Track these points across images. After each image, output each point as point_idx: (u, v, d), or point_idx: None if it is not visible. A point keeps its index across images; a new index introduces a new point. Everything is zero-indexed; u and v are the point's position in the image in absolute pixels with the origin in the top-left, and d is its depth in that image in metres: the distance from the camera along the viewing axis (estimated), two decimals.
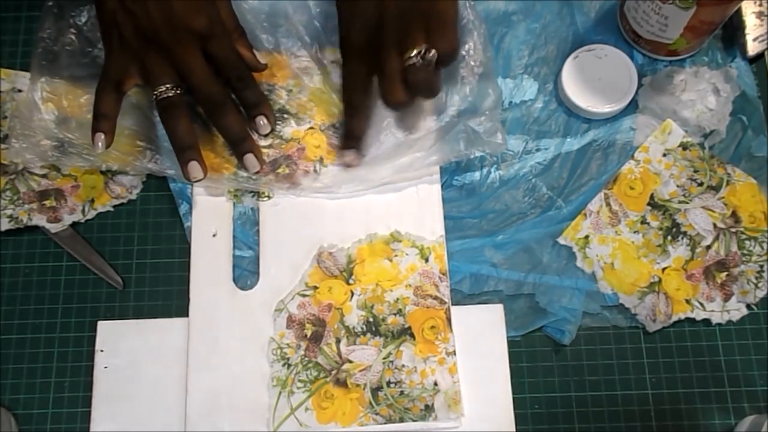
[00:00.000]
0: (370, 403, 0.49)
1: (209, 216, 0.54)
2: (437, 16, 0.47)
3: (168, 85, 0.49)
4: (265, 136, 0.54)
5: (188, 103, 0.50)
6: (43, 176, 0.55)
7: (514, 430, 0.50)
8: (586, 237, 0.54)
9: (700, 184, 0.55)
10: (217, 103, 0.50)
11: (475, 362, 0.51)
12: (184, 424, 0.49)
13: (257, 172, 0.53)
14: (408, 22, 0.47)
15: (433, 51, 0.47)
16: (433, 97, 0.50)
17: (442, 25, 0.47)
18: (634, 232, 0.54)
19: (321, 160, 0.55)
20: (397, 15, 0.47)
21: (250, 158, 0.52)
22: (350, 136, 0.53)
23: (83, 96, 0.54)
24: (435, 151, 0.53)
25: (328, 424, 0.49)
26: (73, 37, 0.55)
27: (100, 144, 0.49)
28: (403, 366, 0.50)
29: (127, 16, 0.48)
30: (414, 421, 0.49)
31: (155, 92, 0.49)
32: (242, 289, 0.52)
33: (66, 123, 0.53)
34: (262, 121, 0.53)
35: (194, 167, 0.50)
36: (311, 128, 0.56)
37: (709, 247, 0.53)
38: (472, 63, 0.56)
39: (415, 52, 0.47)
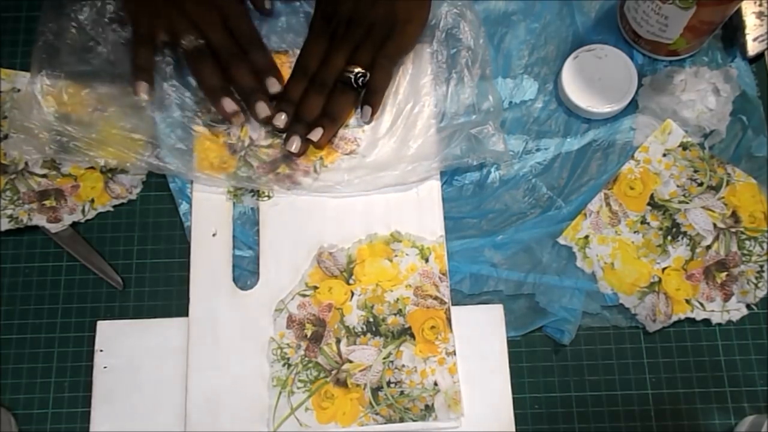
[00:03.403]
0: (370, 403, 0.49)
1: (209, 216, 0.54)
2: (399, 35, 0.54)
3: (192, 37, 0.53)
4: (274, 98, 0.54)
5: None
6: (43, 176, 0.55)
7: (514, 430, 0.50)
8: (586, 237, 0.54)
9: (700, 184, 0.55)
10: (231, 54, 0.53)
11: (475, 362, 0.51)
12: (184, 424, 0.49)
13: (268, 122, 0.54)
14: (372, 29, 0.53)
15: (368, 76, 0.53)
16: (333, 124, 0.54)
17: (396, 48, 0.54)
18: (634, 232, 0.54)
19: (321, 160, 0.55)
20: (366, 17, 0.53)
21: (260, 105, 0.54)
22: (285, 98, 0.54)
23: (83, 90, 0.54)
24: (437, 158, 0.53)
25: (328, 424, 0.49)
26: (74, 31, 0.55)
27: (143, 93, 0.53)
28: (403, 366, 0.50)
29: None
30: (414, 421, 0.49)
31: (183, 43, 0.53)
32: (242, 289, 0.52)
33: (65, 117, 0.53)
34: (270, 81, 0.54)
35: (227, 102, 0.53)
36: None
37: (709, 247, 0.53)
38: (472, 64, 0.56)
39: (357, 70, 0.53)
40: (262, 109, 0.53)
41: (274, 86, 0.54)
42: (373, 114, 0.54)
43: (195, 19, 0.53)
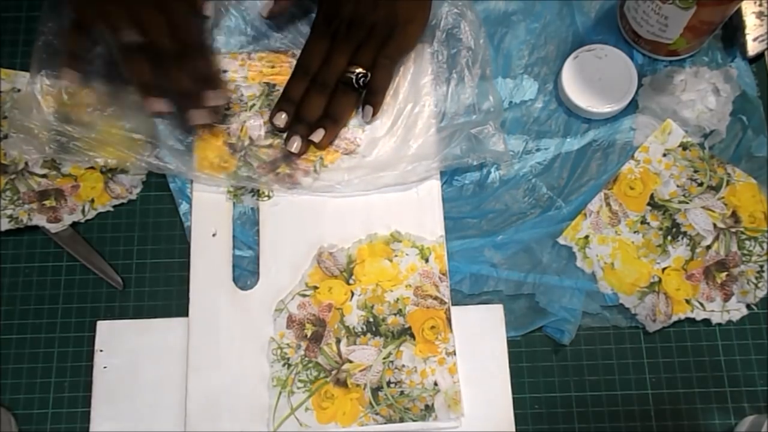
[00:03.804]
0: (370, 403, 0.49)
1: (209, 216, 0.54)
2: (400, 35, 0.53)
3: (131, 33, 0.49)
4: (215, 108, 0.53)
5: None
6: (43, 176, 0.55)
7: (514, 430, 0.50)
8: (586, 237, 0.54)
9: (700, 184, 0.55)
10: (171, 56, 0.50)
11: (475, 362, 0.51)
12: (184, 424, 0.49)
13: (198, 129, 0.53)
14: (373, 30, 0.53)
15: (369, 76, 0.53)
16: (335, 126, 0.54)
17: (398, 48, 0.54)
18: (634, 232, 0.54)
19: (321, 160, 0.55)
20: (367, 18, 0.53)
21: (193, 113, 0.52)
22: (285, 98, 0.54)
23: (83, 91, 0.54)
24: (437, 158, 0.53)
25: (328, 424, 0.49)
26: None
27: (69, 80, 0.52)
28: (403, 366, 0.50)
29: None
30: (414, 421, 0.49)
31: (122, 38, 0.50)
32: (242, 289, 0.52)
33: (66, 117, 0.53)
34: (211, 95, 0.52)
35: (156, 102, 0.51)
36: None
37: (709, 247, 0.53)
38: (472, 64, 0.56)
39: (359, 70, 0.52)
40: (193, 116, 0.52)
41: (211, 99, 0.52)
42: (374, 114, 0.54)
43: (139, 16, 0.50)
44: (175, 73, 0.51)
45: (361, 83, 0.53)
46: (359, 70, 0.53)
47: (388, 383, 0.50)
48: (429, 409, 0.49)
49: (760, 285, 0.52)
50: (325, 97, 0.53)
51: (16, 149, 0.54)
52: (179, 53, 0.51)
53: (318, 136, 0.53)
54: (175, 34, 0.50)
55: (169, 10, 0.50)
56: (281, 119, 0.53)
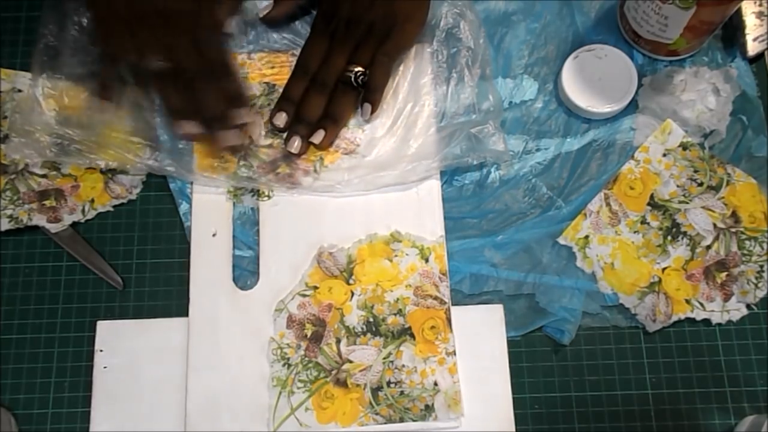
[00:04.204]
0: (370, 403, 0.49)
1: (209, 216, 0.54)
2: (398, 34, 0.53)
3: (160, 60, 0.50)
4: (241, 127, 0.53)
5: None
6: (43, 176, 0.55)
7: (514, 430, 0.50)
8: (586, 237, 0.54)
9: (700, 184, 0.55)
10: (199, 78, 0.51)
11: (475, 362, 0.51)
12: (184, 424, 0.49)
13: (235, 149, 0.53)
14: (371, 29, 0.53)
15: (367, 75, 0.52)
16: (335, 125, 0.54)
17: (395, 46, 0.54)
18: (634, 232, 0.54)
19: (321, 160, 0.55)
20: (365, 17, 0.53)
21: (223, 134, 0.52)
22: (285, 98, 0.54)
23: (84, 93, 0.54)
24: (437, 158, 0.53)
25: (328, 424, 0.49)
26: (75, 33, 0.55)
27: (107, 112, 0.53)
28: (403, 366, 0.50)
29: None
30: (414, 421, 0.49)
31: (151, 65, 0.50)
32: (242, 289, 0.52)
33: (67, 120, 0.53)
34: (237, 111, 0.52)
35: (187, 125, 0.52)
36: None
37: (709, 247, 0.53)
38: (472, 64, 0.56)
39: (357, 69, 0.52)
40: (224, 137, 0.52)
41: (240, 117, 0.52)
42: (372, 112, 0.54)
43: (165, 41, 0.50)
44: (203, 96, 0.51)
45: (360, 82, 0.53)
46: (358, 69, 0.53)
47: (388, 383, 0.50)
48: (429, 409, 0.49)
49: (760, 285, 0.52)
50: (325, 96, 0.53)
51: (18, 153, 0.54)
52: (207, 75, 0.51)
53: (318, 137, 0.53)
54: (202, 56, 0.51)
55: (195, 33, 0.51)
56: (281, 119, 0.53)
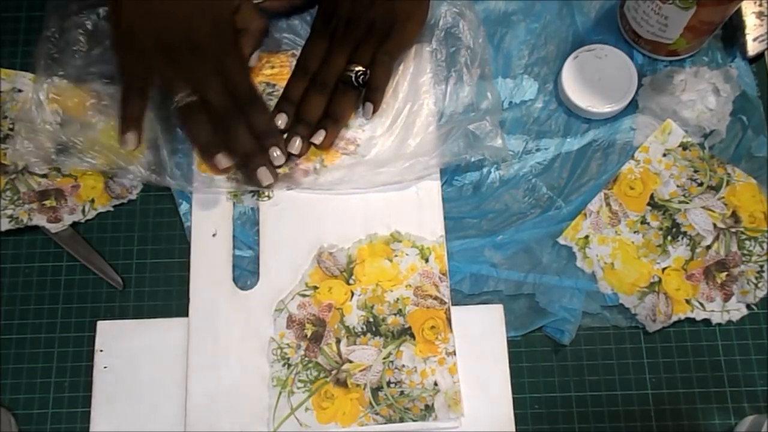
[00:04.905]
0: (370, 403, 0.49)
1: (209, 216, 0.54)
2: (398, 33, 0.53)
3: (186, 93, 0.49)
4: (279, 167, 0.53)
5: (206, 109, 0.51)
6: (43, 176, 0.55)
7: (514, 430, 0.50)
8: (586, 237, 0.54)
9: (700, 184, 0.55)
10: (229, 112, 0.50)
11: (475, 362, 0.51)
12: (184, 424, 0.49)
13: (269, 186, 0.53)
14: (371, 28, 0.52)
15: (369, 74, 0.52)
16: (336, 125, 0.53)
17: (396, 45, 0.54)
18: (634, 232, 0.54)
19: (321, 160, 0.55)
20: (365, 16, 0.52)
21: (262, 171, 0.52)
22: (285, 99, 0.54)
23: (88, 97, 0.54)
24: (435, 154, 0.53)
25: (328, 424, 0.49)
26: (78, 36, 0.55)
27: (131, 144, 0.50)
28: (403, 366, 0.50)
29: (147, 26, 0.49)
30: (414, 421, 0.49)
31: (176, 99, 0.49)
32: (242, 289, 0.52)
33: (70, 124, 0.53)
34: (275, 152, 0.52)
35: (221, 159, 0.50)
36: None
37: (709, 247, 0.53)
38: (471, 63, 0.56)
39: (358, 69, 0.52)
40: (265, 176, 0.52)
41: (279, 159, 0.52)
42: (374, 111, 0.54)
43: (192, 75, 0.50)
44: (235, 131, 0.51)
45: (361, 81, 0.53)
46: (358, 68, 0.52)
47: (388, 383, 0.50)
48: (429, 409, 0.49)
49: (760, 285, 0.52)
50: (325, 96, 0.53)
51: (22, 160, 0.54)
52: (237, 109, 0.51)
53: (319, 137, 0.53)
54: (231, 90, 0.50)
55: (222, 67, 0.50)
56: (282, 120, 0.53)
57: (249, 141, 0.51)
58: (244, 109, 0.51)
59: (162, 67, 0.49)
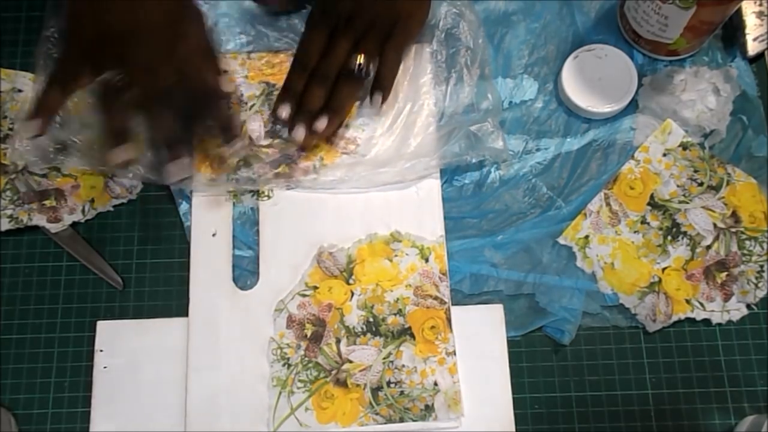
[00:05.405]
0: (370, 403, 0.49)
1: (209, 216, 0.54)
2: (401, 30, 0.53)
3: (113, 74, 0.47)
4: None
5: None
6: (43, 176, 0.55)
7: (514, 430, 0.50)
8: (586, 237, 0.54)
9: (700, 184, 0.55)
10: (160, 103, 0.48)
11: (475, 362, 0.51)
12: (184, 424, 0.49)
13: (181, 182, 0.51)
14: (373, 25, 0.52)
15: (372, 67, 0.52)
16: (337, 117, 0.53)
17: (401, 41, 0.53)
18: (634, 232, 0.54)
19: (321, 159, 0.55)
20: (367, 13, 0.52)
21: (176, 164, 0.48)
22: (287, 90, 0.53)
23: (88, 96, 0.54)
24: (436, 155, 0.53)
25: (328, 424, 0.49)
26: None
27: (35, 131, 0.47)
28: (403, 366, 0.50)
29: (94, 16, 0.47)
30: (414, 421, 0.49)
31: (103, 80, 0.47)
32: (242, 289, 0.52)
33: (70, 124, 0.53)
34: (235, 145, 0.51)
35: (118, 152, 0.47)
36: None
37: (709, 247, 0.53)
38: (471, 64, 0.56)
39: (361, 59, 0.51)
40: (179, 169, 0.48)
41: (236, 154, 0.52)
42: (383, 101, 0.53)
43: (134, 62, 0.47)
44: (159, 117, 0.48)
45: (363, 72, 0.52)
46: (361, 58, 0.52)
47: (388, 383, 0.50)
48: (429, 409, 0.49)
49: (760, 285, 0.52)
50: (327, 88, 0.53)
51: (23, 160, 0.54)
52: (202, 110, 0.49)
53: (321, 124, 0.52)
54: (182, 80, 0.48)
55: (175, 54, 0.48)
56: (284, 110, 0.52)
57: (172, 130, 0.48)
58: (203, 101, 0.49)
59: (102, 57, 0.47)
